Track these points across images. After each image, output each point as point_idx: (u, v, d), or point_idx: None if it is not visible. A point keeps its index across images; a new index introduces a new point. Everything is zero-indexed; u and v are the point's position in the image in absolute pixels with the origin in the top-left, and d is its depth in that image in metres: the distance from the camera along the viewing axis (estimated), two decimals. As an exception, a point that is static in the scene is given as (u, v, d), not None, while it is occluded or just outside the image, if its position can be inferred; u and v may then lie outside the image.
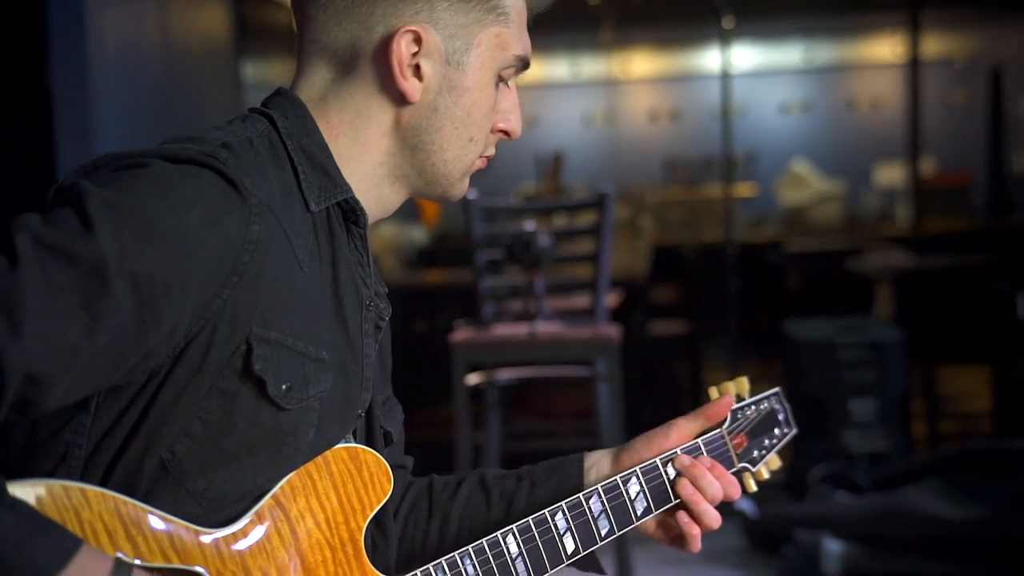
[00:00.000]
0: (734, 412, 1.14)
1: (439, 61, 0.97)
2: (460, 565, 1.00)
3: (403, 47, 0.96)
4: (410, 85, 0.97)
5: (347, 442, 1.00)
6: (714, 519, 1.07)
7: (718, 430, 1.13)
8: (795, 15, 7.80)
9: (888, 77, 8.03)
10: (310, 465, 0.94)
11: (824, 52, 8.22)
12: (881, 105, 8.08)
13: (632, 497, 1.07)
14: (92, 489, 0.85)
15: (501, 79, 1.01)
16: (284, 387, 0.90)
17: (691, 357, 5.07)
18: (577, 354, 2.99)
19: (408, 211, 5.97)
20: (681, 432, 1.11)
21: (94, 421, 0.88)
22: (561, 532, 1.04)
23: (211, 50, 4.63)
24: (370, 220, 1.01)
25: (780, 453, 1.17)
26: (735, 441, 1.13)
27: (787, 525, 3.21)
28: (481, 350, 2.91)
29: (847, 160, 7.70)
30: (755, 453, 1.15)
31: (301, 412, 0.93)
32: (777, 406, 1.17)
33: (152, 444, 0.88)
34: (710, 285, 5.33)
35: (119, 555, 0.84)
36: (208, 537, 0.89)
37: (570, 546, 1.05)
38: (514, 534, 1.03)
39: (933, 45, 7.53)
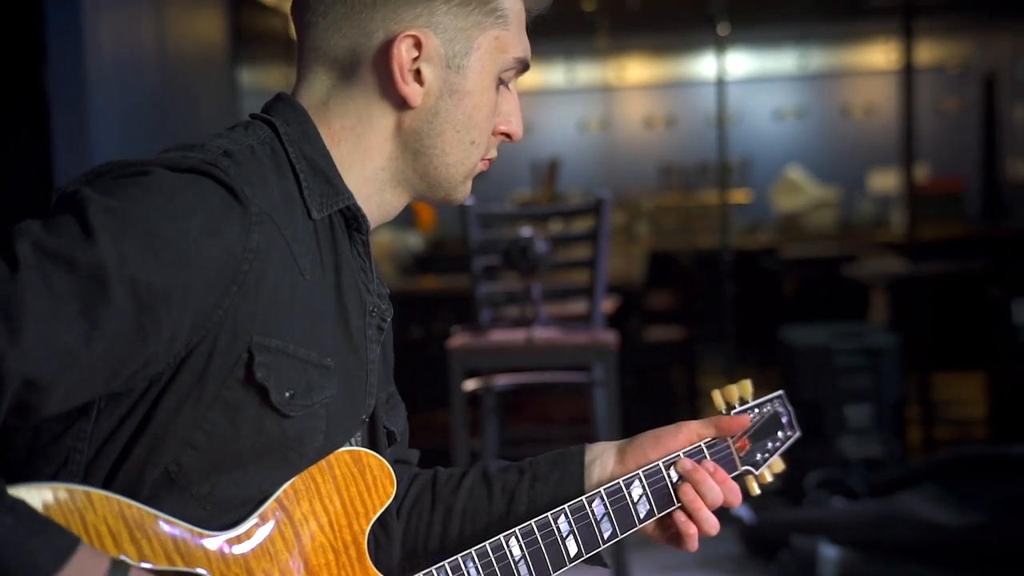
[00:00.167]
0: (738, 415, 1.15)
1: (439, 65, 0.98)
2: (463, 568, 1.01)
3: (403, 52, 0.96)
4: (411, 90, 0.97)
5: (350, 445, 1.00)
6: (713, 525, 1.08)
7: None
8: (789, 22, 7.83)
9: (882, 84, 8.06)
10: (313, 468, 0.95)
11: (818, 59, 8.25)
12: (875, 112, 8.11)
13: (635, 500, 1.08)
14: (96, 492, 0.85)
15: (501, 82, 1.02)
16: (287, 394, 0.91)
17: (687, 363, 5.08)
18: (574, 360, 3.00)
19: (404, 217, 5.97)
20: (691, 435, 1.11)
21: (95, 427, 0.89)
22: (564, 535, 1.05)
23: (207, 56, 4.63)
24: (372, 225, 1.01)
25: (781, 457, 1.17)
26: (738, 444, 1.14)
27: (783, 531, 3.21)
28: (478, 356, 2.91)
29: (841, 166, 7.72)
30: (758, 456, 1.15)
31: (306, 419, 0.93)
32: (781, 409, 1.18)
33: (154, 453, 0.89)
34: (706, 291, 5.35)
35: (122, 557, 0.84)
36: (212, 540, 0.89)
37: (573, 549, 1.05)
38: (517, 537, 1.03)
39: (926, 52, 7.57)
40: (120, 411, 0.89)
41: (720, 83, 4.11)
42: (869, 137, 8.02)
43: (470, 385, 3.00)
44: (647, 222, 6.31)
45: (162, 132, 3.98)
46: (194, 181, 0.88)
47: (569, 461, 1.11)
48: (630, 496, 1.08)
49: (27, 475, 0.89)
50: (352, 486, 0.96)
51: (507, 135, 1.04)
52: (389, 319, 1.04)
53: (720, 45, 4.07)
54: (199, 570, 0.87)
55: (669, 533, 1.10)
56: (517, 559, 1.02)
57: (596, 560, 1.08)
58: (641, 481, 1.08)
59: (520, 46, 1.01)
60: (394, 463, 1.09)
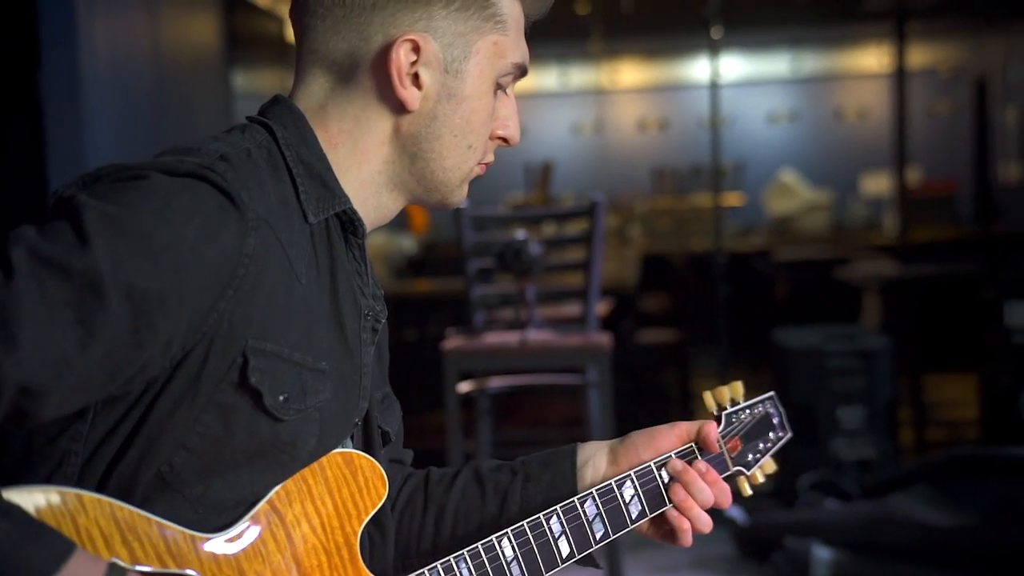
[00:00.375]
0: (729, 416, 1.15)
1: (438, 70, 0.98)
2: (456, 569, 1.01)
3: (402, 56, 0.97)
4: (409, 94, 0.98)
5: (343, 446, 1.00)
6: (706, 523, 1.08)
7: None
8: (783, 26, 7.85)
9: (874, 87, 8.09)
10: (305, 471, 0.95)
11: (811, 62, 8.27)
12: (868, 115, 8.13)
13: (627, 501, 1.08)
14: (88, 495, 0.85)
15: (499, 86, 1.02)
16: (281, 398, 0.91)
17: (680, 365, 5.09)
18: (568, 362, 3.00)
19: (397, 220, 5.97)
20: (683, 435, 1.11)
21: (91, 429, 0.89)
22: (556, 535, 1.05)
23: (202, 60, 4.63)
24: (369, 227, 1.02)
25: (773, 458, 1.18)
26: (730, 444, 1.14)
27: (776, 532, 3.22)
28: (472, 358, 2.92)
29: (834, 169, 7.75)
30: (750, 457, 1.15)
31: (299, 422, 0.93)
32: (772, 410, 1.18)
33: (148, 454, 0.89)
34: (699, 294, 5.36)
35: (114, 559, 0.84)
36: (204, 542, 0.89)
37: (565, 549, 1.05)
38: (509, 537, 1.03)
39: (919, 56, 7.59)
40: (115, 414, 0.89)
41: (713, 86, 4.12)
42: (862, 140, 8.05)
43: (464, 387, 3.00)
44: (640, 225, 6.32)
45: (156, 135, 3.98)
46: (191, 186, 0.88)
47: (562, 461, 1.11)
48: (622, 497, 1.08)
49: (22, 477, 0.89)
50: (344, 488, 0.96)
51: (504, 139, 1.04)
52: (384, 320, 1.04)
53: (713, 48, 4.08)
54: (190, 572, 0.88)
55: (663, 530, 1.10)
56: (509, 560, 1.03)
57: (589, 561, 1.08)
58: (633, 482, 1.09)
59: (518, 51, 1.02)
60: (389, 463, 1.09)
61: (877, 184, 7.13)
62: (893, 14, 6.29)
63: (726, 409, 1.15)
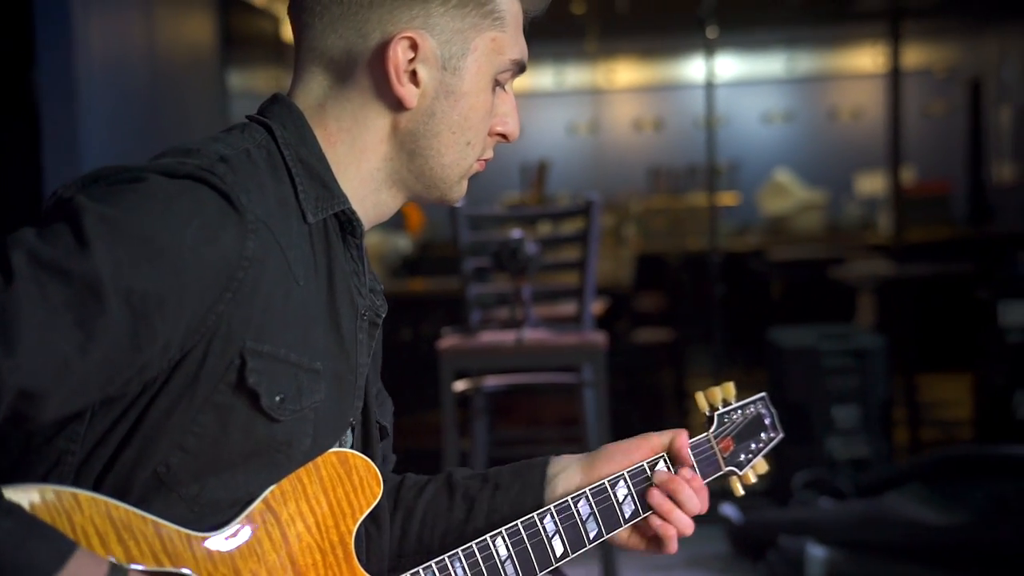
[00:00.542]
0: (721, 416, 1.16)
1: (435, 67, 0.98)
2: (450, 568, 1.01)
3: (399, 53, 0.97)
4: (407, 91, 0.98)
5: (341, 444, 1.01)
6: (687, 525, 1.08)
7: (704, 434, 1.15)
8: (778, 26, 7.86)
9: (869, 87, 8.11)
10: (301, 470, 0.95)
11: (806, 62, 8.29)
12: (862, 115, 8.15)
13: (620, 500, 1.09)
14: (83, 493, 0.85)
15: (498, 83, 1.02)
16: (277, 399, 0.91)
17: (676, 364, 5.10)
18: (564, 361, 3.00)
19: (393, 220, 5.97)
20: (656, 448, 1.11)
21: (88, 429, 0.89)
22: (550, 535, 1.05)
23: (197, 59, 4.63)
24: (367, 225, 1.02)
25: (765, 458, 1.18)
26: (721, 445, 1.15)
27: (771, 531, 3.22)
28: (468, 357, 2.92)
29: (829, 169, 7.77)
30: (742, 457, 1.16)
31: (295, 423, 0.94)
32: (763, 411, 1.19)
33: (144, 454, 0.89)
34: (694, 293, 5.37)
35: (110, 558, 0.84)
36: (199, 541, 0.89)
37: (559, 548, 1.06)
38: (503, 537, 1.04)
39: (914, 56, 7.61)
40: (113, 414, 0.89)
41: (708, 86, 4.13)
42: (856, 140, 8.06)
43: (460, 386, 3.00)
44: (636, 224, 6.33)
45: (152, 135, 3.97)
46: (190, 188, 0.88)
47: (532, 472, 1.11)
48: (615, 496, 1.09)
49: (19, 476, 0.89)
50: (339, 487, 0.97)
51: (504, 136, 1.05)
52: (383, 315, 1.04)
53: (709, 48, 4.08)
54: (186, 570, 0.88)
55: (648, 535, 1.11)
56: (503, 559, 1.03)
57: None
58: (626, 481, 1.09)
59: (517, 48, 1.02)
60: (382, 459, 1.10)
61: (872, 184, 7.15)
62: (888, 14, 6.30)
63: (718, 409, 1.16)
